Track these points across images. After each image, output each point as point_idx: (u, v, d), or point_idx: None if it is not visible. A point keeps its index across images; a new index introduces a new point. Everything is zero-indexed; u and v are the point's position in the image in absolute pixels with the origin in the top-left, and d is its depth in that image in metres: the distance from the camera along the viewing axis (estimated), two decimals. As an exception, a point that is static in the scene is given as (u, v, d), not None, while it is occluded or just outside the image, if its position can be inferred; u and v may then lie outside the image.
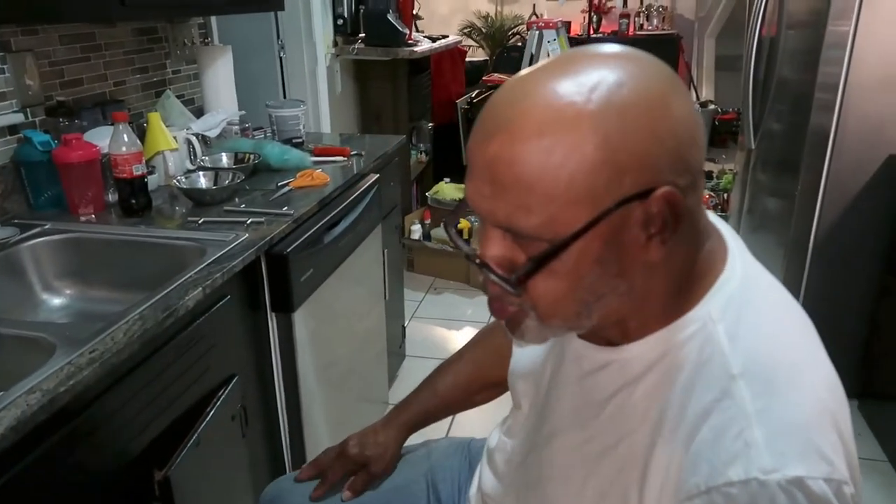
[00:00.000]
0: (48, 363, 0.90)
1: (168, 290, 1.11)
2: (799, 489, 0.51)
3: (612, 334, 0.64)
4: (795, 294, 2.19)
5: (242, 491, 1.32)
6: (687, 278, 0.61)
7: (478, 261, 0.57)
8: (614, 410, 0.64)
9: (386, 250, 2.04)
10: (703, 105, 5.33)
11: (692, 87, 5.76)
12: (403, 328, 2.46)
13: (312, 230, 1.49)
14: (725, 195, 3.50)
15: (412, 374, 2.42)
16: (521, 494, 0.80)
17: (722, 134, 5.36)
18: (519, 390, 0.84)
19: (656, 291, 0.60)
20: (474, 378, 1.06)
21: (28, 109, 1.54)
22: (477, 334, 1.10)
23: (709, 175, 3.87)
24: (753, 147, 2.54)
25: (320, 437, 1.57)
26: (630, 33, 5.74)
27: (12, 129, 1.49)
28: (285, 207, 1.50)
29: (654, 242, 0.55)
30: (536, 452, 0.76)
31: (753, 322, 0.59)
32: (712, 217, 0.66)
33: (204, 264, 1.22)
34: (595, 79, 0.52)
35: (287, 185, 1.66)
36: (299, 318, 1.44)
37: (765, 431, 0.53)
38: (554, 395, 0.74)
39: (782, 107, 2.33)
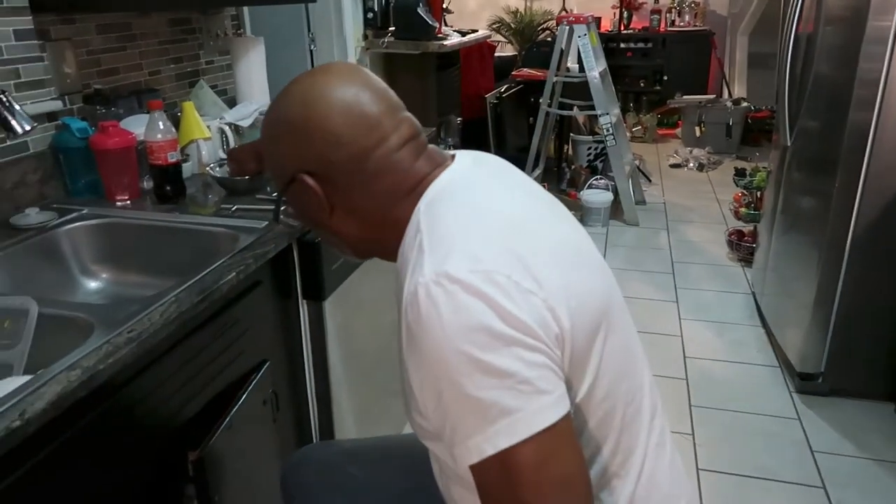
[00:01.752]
0: (87, 342, 0.92)
1: (203, 274, 1.12)
2: (445, 279, 0.67)
3: (388, 257, 0.84)
4: (831, 295, 2.15)
5: (272, 473, 1.33)
6: (403, 201, 0.79)
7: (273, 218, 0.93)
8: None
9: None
10: (736, 103, 5.25)
11: (724, 84, 5.68)
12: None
13: (344, 219, 1.49)
14: (759, 193, 3.44)
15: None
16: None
17: (755, 132, 5.28)
18: None
19: (365, 228, 0.83)
20: None
21: (66, 97, 1.56)
22: None
23: (741, 172, 3.80)
24: (789, 144, 2.50)
25: (348, 425, 1.58)
26: (661, 29, 5.68)
27: (51, 115, 1.52)
28: (317, 196, 1.51)
29: (323, 205, 0.81)
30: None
31: (445, 198, 0.78)
32: (464, 152, 0.87)
33: (237, 250, 1.23)
34: (272, 110, 0.83)
35: (318, 174, 1.67)
36: (329, 306, 1.44)
37: (429, 256, 0.70)
38: None
39: (819, 104, 2.28)
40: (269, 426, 1.32)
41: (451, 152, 0.87)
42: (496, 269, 0.68)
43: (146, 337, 0.94)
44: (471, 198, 0.78)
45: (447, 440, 0.69)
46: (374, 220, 0.82)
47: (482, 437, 0.65)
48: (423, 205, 0.78)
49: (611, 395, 0.75)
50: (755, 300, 2.89)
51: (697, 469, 1.96)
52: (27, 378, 0.87)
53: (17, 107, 1.12)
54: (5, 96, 1.10)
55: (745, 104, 5.24)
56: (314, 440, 1.53)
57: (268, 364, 1.29)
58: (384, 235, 0.82)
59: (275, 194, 0.92)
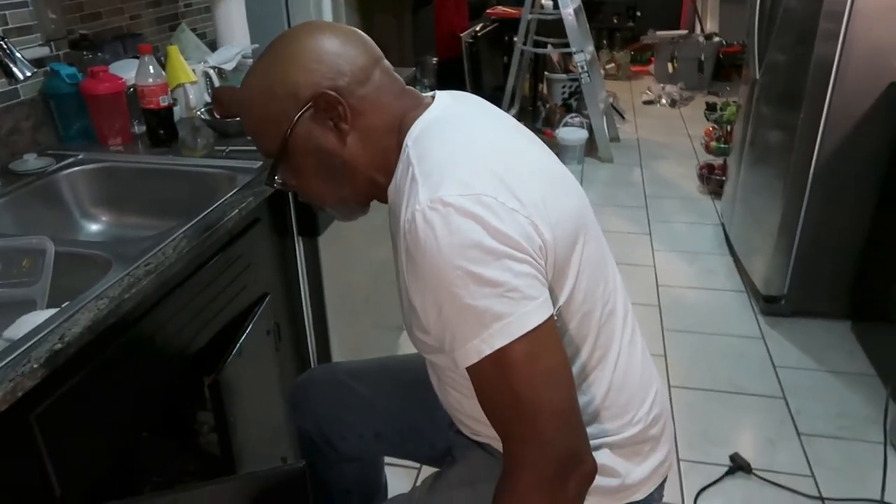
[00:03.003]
0: (107, 276, 0.99)
1: (207, 211, 1.19)
2: (439, 203, 0.74)
3: (381, 195, 0.90)
4: (795, 222, 2.27)
5: (275, 397, 1.43)
6: (394, 135, 0.85)
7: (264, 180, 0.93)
8: (393, 239, 0.88)
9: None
10: (708, 38, 5.29)
11: (697, 19, 5.70)
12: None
13: (334, 158, 1.55)
14: (729, 127, 3.54)
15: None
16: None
17: (726, 67, 5.34)
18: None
19: (373, 154, 0.86)
20: None
21: (52, 43, 1.57)
22: None
23: (712, 107, 3.89)
24: (758, 77, 2.58)
25: (343, 355, 1.67)
26: (634, -36, 5.63)
27: (39, 62, 1.53)
28: (307, 137, 1.56)
29: (341, 125, 0.84)
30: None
31: (432, 132, 0.83)
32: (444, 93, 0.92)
33: (237, 189, 1.29)
34: (258, 62, 0.86)
35: (306, 116, 1.71)
36: (323, 242, 1.51)
37: (423, 185, 0.77)
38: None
39: (787, 38, 2.35)
40: (273, 355, 1.41)
41: (431, 93, 0.92)
42: (483, 192, 0.75)
43: (163, 269, 1.01)
44: (455, 130, 0.84)
45: (448, 347, 0.78)
46: (378, 143, 0.86)
47: (479, 340, 0.74)
48: (410, 140, 0.83)
49: (589, 298, 0.84)
50: (724, 230, 3.02)
51: (669, 386, 2.11)
52: (52, 311, 0.94)
53: (17, 53, 1.15)
54: (5, 43, 1.13)
55: (716, 39, 5.29)
56: (312, 365, 1.62)
57: (269, 297, 1.37)
58: (383, 168, 0.87)
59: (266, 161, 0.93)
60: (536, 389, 0.75)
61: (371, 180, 0.88)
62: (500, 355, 0.74)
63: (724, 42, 5.31)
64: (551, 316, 0.76)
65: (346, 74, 0.83)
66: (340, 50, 0.83)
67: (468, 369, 0.77)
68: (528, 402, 0.75)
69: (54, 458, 0.84)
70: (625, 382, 0.90)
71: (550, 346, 0.77)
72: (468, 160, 0.79)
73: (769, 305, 2.45)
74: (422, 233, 0.74)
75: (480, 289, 0.73)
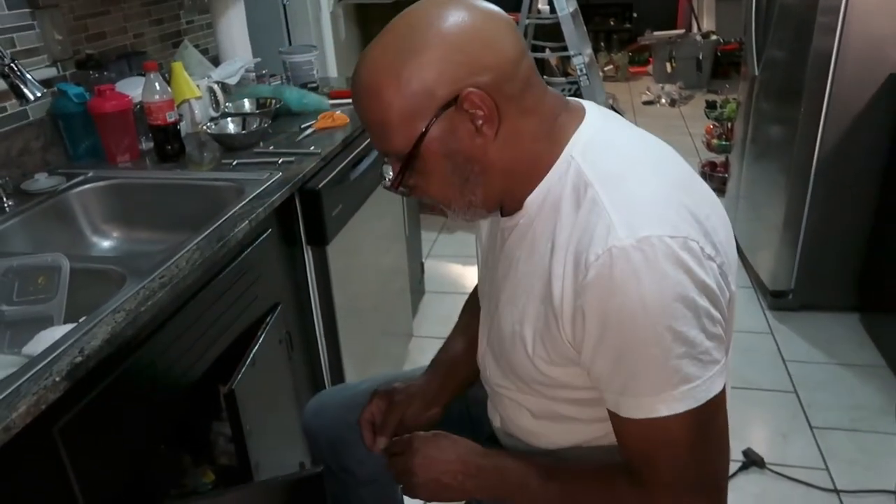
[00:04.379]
0: (123, 290, 1.00)
1: (218, 223, 1.20)
2: (647, 245, 0.66)
3: (510, 205, 0.81)
4: (799, 216, 2.28)
5: (288, 404, 1.44)
6: (544, 142, 0.76)
7: (387, 184, 0.80)
8: (523, 255, 0.80)
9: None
10: (706, 36, 5.31)
11: (693, 18, 5.72)
12: (422, 265, 2.56)
13: (339, 167, 1.57)
14: (729, 124, 3.55)
15: (433, 308, 2.53)
16: (497, 360, 0.91)
17: (724, 65, 5.35)
18: (483, 289, 0.96)
19: (516, 160, 0.76)
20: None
21: (58, 64, 1.60)
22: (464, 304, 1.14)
23: (712, 105, 3.90)
24: (757, 74, 2.59)
25: (354, 364, 1.69)
26: (629, -36, 5.65)
27: (46, 83, 1.55)
28: (312, 147, 1.58)
29: (486, 129, 0.72)
30: (495, 322, 0.88)
31: (606, 150, 0.76)
32: (583, 101, 0.83)
33: (245, 201, 1.30)
34: (387, 39, 0.74)
35: (310, 126, 1.74)
36: (332, 251, 1.53)
37: (619, 217, 0.68)
38: (495, 271, 0.88)
39: (785, 33, 2.37)
40: (286, 364, 1.42)
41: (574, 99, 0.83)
42: (689, 236, 0.68)
43: (177, 281, 1.02)
44: (632, 152, 0.77)
45: (614, 390, 0.73)
46: (524, 149, 0.76)
47: (658, 399, 0.69)
48: (575, 152, 0.75)
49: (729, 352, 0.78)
50: (729, 227, 3.03)
51: (680, 384, 2.11)
52: (70, 326, 0.96)
53: (28, 75, 1.17)
54: (16, 65, 1.15)
55: (714, 37, 5.30)
56: (325, 378, 1.64)
57: (280, 306, 1.39)
58: (526, 176, 0.78)
59: (386, 160, 0.79)
60: (699, 455, 0.73)
61: (508, 188, 0.79)
62: (674, 418, 0.70)
63: (721, 40, 5.33)
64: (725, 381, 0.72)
65: (493, 69, 0.71)
66: (486, 37, 0.71)
67: (628, 419, 0.73)
68: (685, 469, 0.73)
69: (77, 469, 0.85)
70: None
71: (721, 414, 0.73)
72: (665, 192, 0.72)
73: (776, 300, 2.46)
74: (621, 272, 0.67)
75: (677, 347, 0.67)
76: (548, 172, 0.76)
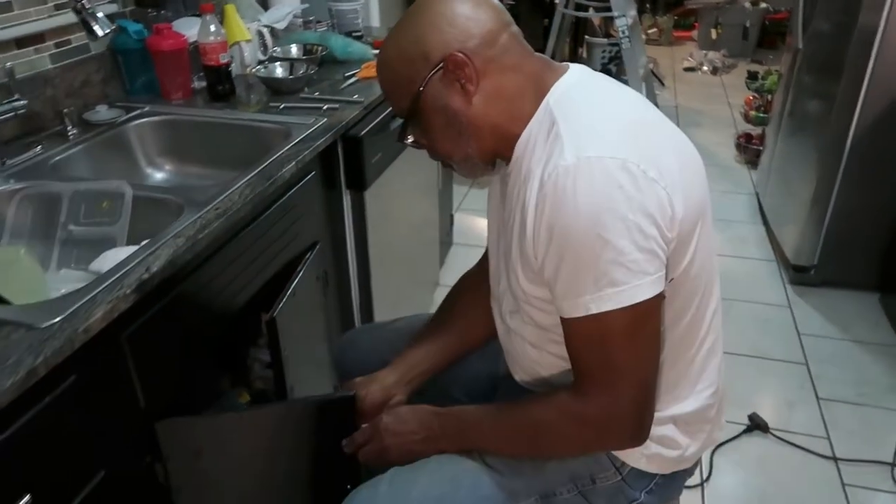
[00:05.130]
0: (181, 218, 1.09)
1: (268, 162, 1.28)
2: (586, 163, 0.78)
3: (505, 154, 0.92)
4: (828, 192, 2.29)
5: (321, 338, 1.54)
6: (528, 96, 0.88)
7: (398, 138, 0.96)
8: (514, 192, 0.90)
9: (439, 141, 2.18)
10: (755, 3, 5.18)
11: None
12: (452, 217, 2.63)
13: (380, 117, 1.63)
14: (769, 97, 3.51)
15: (459, 260, 2.62)
16: (500, 306, 1.04)
17: (771, 34, 5.23)
18: (492, 239, 1.06)
19: (502, 113, 0.89)
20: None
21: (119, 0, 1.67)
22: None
23: (754, 76, 3.85)
24: (801, 46, 2.57)
25: (384, 307, 1.78)
26: (682, -74, 5.50)
27: (108, 19, 1.63)
28: (356, 95, 1.64)
29: (468, 86, 0.87)
30: (498, 268, 1.00)
31: (577, 95, 0.88)
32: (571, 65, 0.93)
33: (292, 143, 1.38)
34: (401, 21, 0.91)
35: (354, 75, 1.79)
36: (370, 196, 1.61)
37: (570, 142, 0.81)
38: (503, 212, 0.98)
39: (832, 6, 2.34)
40: (321, 299, 1.52)
41: (563, 63, 0.94)
42: (628, 158, 0.78)
43: (231, 213, 1.11)
44: (601, 97, 0.89)
45: (557, 295, 0.84)
46: (507, 102, 0.89)
47: (589, 298, 0.80)
48: (551, 99, 0.87)
49: (697, 278, 0.88)
50: (758, 200, 3.04)
51: (694, 348, 2.18)
52: (134, 248, 1.05)
53: (95, 11, 1.24)
54: (86, 1, 1.22)
55: (763, 5, 5.18)
56: (355, 317, 1.73)
57: (319, 245, 1.48)
58: (510, 126, 0.89)
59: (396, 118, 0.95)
60: (626, 357, 0.83)
61: (497, 139, 0.91)
62: (603, 318, 0.80)
63: (770, 9, 5.20)
64: (660, 294, 0.81)
65: (476, 37, 0.86)
66: (471, 13, 0.87)
67: (569, 320, 0.84)
68: (615, 366, 0.84)
69: (140, 374, 0.96)
70: (705, 364, 0.96)
71: (651, 322, 0.83)
72: (616, 126, 0.83)
73: (798, 275, 2.49)
74: (563, 187, 0.78)
75: (605, 253, 0.78)
76: (530, 120, 0.88)
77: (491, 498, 0.97)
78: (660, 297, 0.82)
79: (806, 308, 2.39)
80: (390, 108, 1.73)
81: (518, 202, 0.88)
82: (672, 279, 0.85)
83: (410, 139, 0.95)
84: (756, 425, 1.88)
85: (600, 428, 0.88)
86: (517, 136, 0.89)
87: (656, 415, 0.92)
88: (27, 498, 0.77)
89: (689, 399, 0.96)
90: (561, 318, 0.86)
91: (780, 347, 2.19)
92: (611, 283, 0.79)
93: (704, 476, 1.74)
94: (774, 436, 1.86)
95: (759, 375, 2.09)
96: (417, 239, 2.14)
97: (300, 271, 1.38)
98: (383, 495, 0.96)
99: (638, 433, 0.89)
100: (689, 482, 1.10)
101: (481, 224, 2.98)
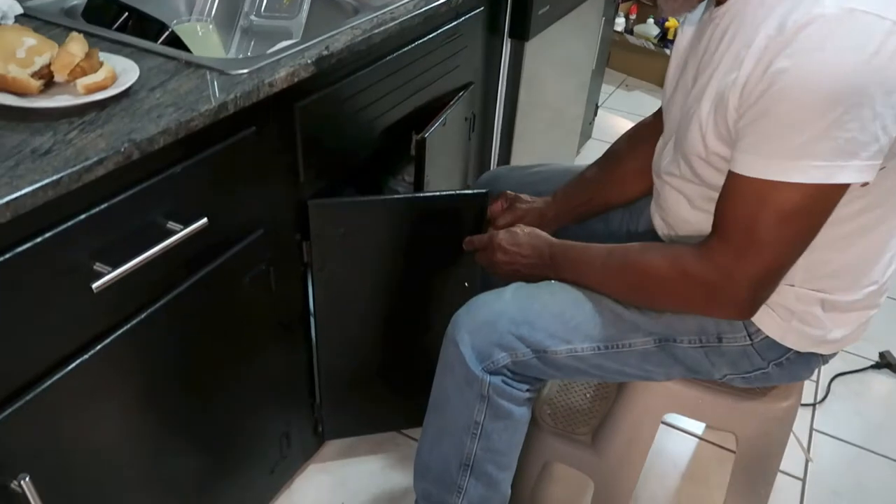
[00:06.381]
0: (357, 17, 1.12)
1: (440, -17, 1.28)
2: (849, 17, 0.66)
3: None
4: None
5: (459, 178, 1.57)
6: None
7: None
8: (727, 36, 0.80)
9: (604, 18, 2.09)
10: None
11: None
12: (596, 107, 2.55)
13: (555, -34, 1.58)
14: None
15: (594, 154, 2.53)
16: (676, 145, 0.93)
17: None
18: (667, 93, 0.99)
19: None
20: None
21: None
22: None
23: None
24: None
25: (521, 157, 1.78)
26: None
27: None
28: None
29: None
30: (683, 109, 0.90)
31: None
32: None
33: (465, -26, 1.36)
34: None
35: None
36: (529, 48, 1.58)
37: None
38: (692, 65, 0.90)
39: None
40: (466, 139, 1.53)
41: None
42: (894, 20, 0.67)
43: (404, 19, 1.12)
44: None
45: (743, 147, 0.75)
46: None
47: (775, 162, 0.72)
48: None
49: None
50: None
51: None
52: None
53: None
54: None
55: None
56: (493, 159, 1.74)
57: (473, 85, 1.48)
58: None
59: None
60: (775, 235, 0.77)
61: None
62: (780, 186, 0.73)
63: None
64: (846, 187, 0.73)
65: None
66: None
67: (739, 176, 0.76)
68: (757, 238, 0.77)
69: (305, 147, 1.02)
70: (878, 259, 0.89)
71: (825, 209, 0.75)
72: None
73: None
74: (811, 37, 0.68)
75: (823, 121, 0.68)
76: None
77: (609, 325, 0.97)
78: (841, 191, 0.74)
79: None
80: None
81: (732, 45, 0.79)
82: (884, 167, 0.75)
83: None
84: (887, 363, 1.77)
85: (709, 291, 0.84)
86: None
87: (807, 292, 0.89)
88: (204, 220, 0.85)
89: (849, 290, 0.90)
90: (730, 170, 0.79)
91: None
92: (812, 154, 0.70)
93: (819, 398, 1.67)
94: (904, 378, 1.75)
95: (899, 318, 1.94)
96: (562, 114, 2.09)
97: (453, 104, 1.40)
98: (507, 301, 0.99)
99: (745, 309, 0.85)
100: (804, 400, 1.05)
101: (622, 124, 2.88)
